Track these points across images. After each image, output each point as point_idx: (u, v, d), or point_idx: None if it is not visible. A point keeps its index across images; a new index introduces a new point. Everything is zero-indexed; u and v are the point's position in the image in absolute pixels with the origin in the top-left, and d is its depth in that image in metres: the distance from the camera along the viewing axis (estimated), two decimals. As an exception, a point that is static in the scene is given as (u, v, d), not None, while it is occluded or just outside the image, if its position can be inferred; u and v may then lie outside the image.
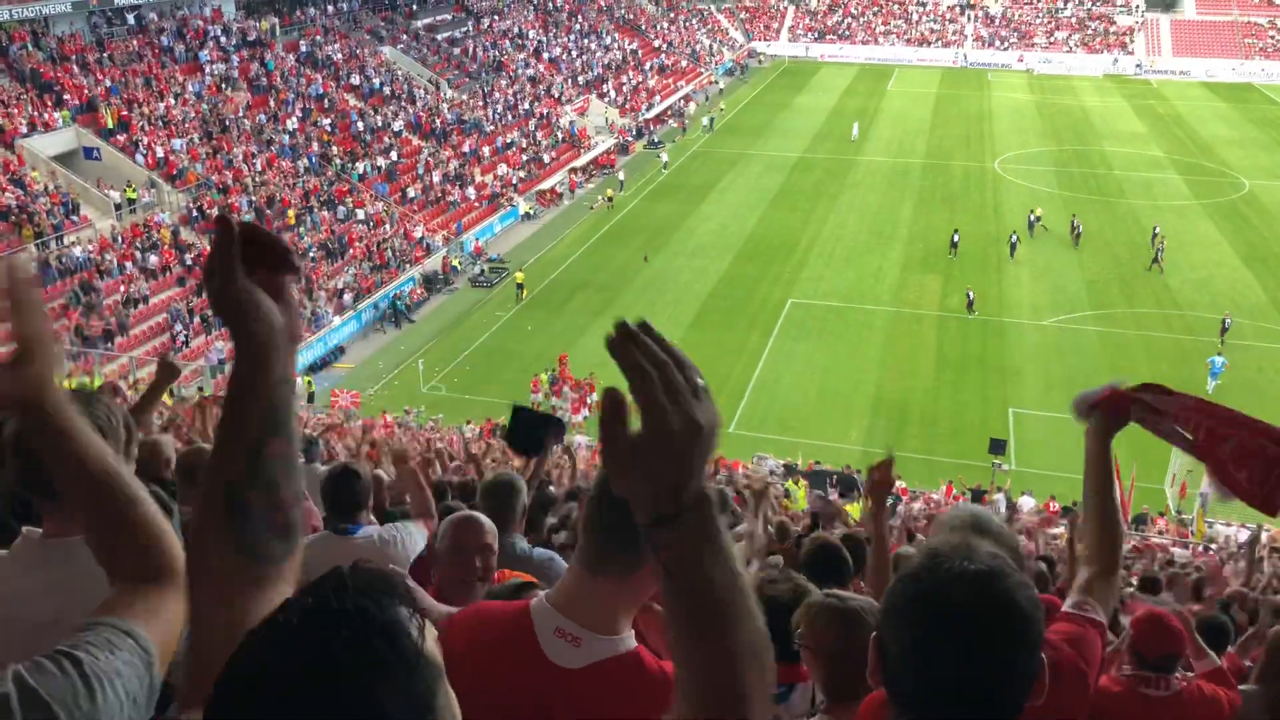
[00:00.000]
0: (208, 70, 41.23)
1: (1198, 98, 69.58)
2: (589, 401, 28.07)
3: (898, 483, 22.57)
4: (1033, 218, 42.63)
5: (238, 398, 1.47)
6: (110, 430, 2.38)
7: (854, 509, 13.39)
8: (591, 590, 1.99)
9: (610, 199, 47.52)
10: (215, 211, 33.51)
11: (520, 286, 37.19)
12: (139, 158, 34.69)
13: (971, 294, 35.33)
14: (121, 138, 35.04)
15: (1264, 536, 17.70)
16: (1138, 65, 78.34)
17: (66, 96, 35.14)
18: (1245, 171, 51.35)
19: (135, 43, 40.21)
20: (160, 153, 35.22)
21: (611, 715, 1.91)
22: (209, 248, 1.49)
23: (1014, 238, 40.22)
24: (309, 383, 29.92)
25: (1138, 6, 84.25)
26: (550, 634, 1.99)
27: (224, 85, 41.13)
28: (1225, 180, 50.25)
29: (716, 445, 1.26)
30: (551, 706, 1.95)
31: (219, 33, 43.67)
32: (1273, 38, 78.95)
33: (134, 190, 33.36)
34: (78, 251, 29.77)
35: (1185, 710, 3.71)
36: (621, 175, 50.50)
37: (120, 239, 31.52)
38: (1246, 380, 29.68)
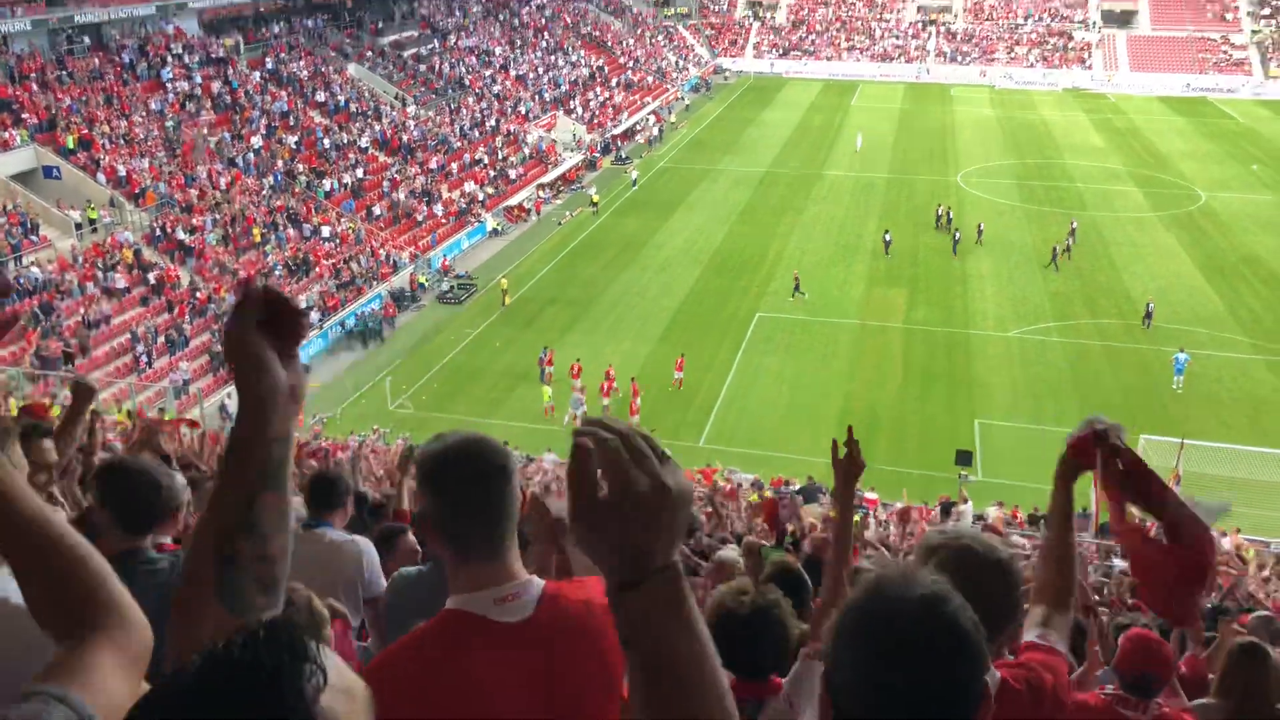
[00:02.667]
0: (170, 88, 40.89)
1: (1154, 112, 70.84)
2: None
3: (868, 493, 22.70)
4: (940, 211, 45.27)
5: (237, 449, 1.53)
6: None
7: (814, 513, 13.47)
8: (500, 565, 2.15)
9: (595, 204, 48.65)
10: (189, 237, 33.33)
11: (504, 293, 37.74)
12: (100, 176, 34.31)
13: (797, 275, 38.07)
14: (82, 156, 34.64)
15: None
16: (1092, 79, 79.73)
17: (25, 115, 34.71)
18: (1201, 184, 52.30)
19: (96, 60, 39.82)
20: (122, 171, 34.86)
21: (577, 624, 2.10)
22: (232, 305, 1.57)
23: (957, 235, 42.67)
24: (275, 402, 29.63)
25: (1095, 23, 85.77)
26: (490, 606, 2.10)
27: (187, 103, 40.81)
28: (1182, 192, 51.15)
29: (686, 512, 1.27)
30: (523, 665, 2.03)
31: (181, 50, 43.35)
32: (1225, 53, 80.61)
33: (95, 210, 32.97)
34: (36, 272, 29.36)
35: None
36: (594, 190, 50.66)
37: (81, 259, 31.12)
38: (1206, 391, 30.15)
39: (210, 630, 1.42)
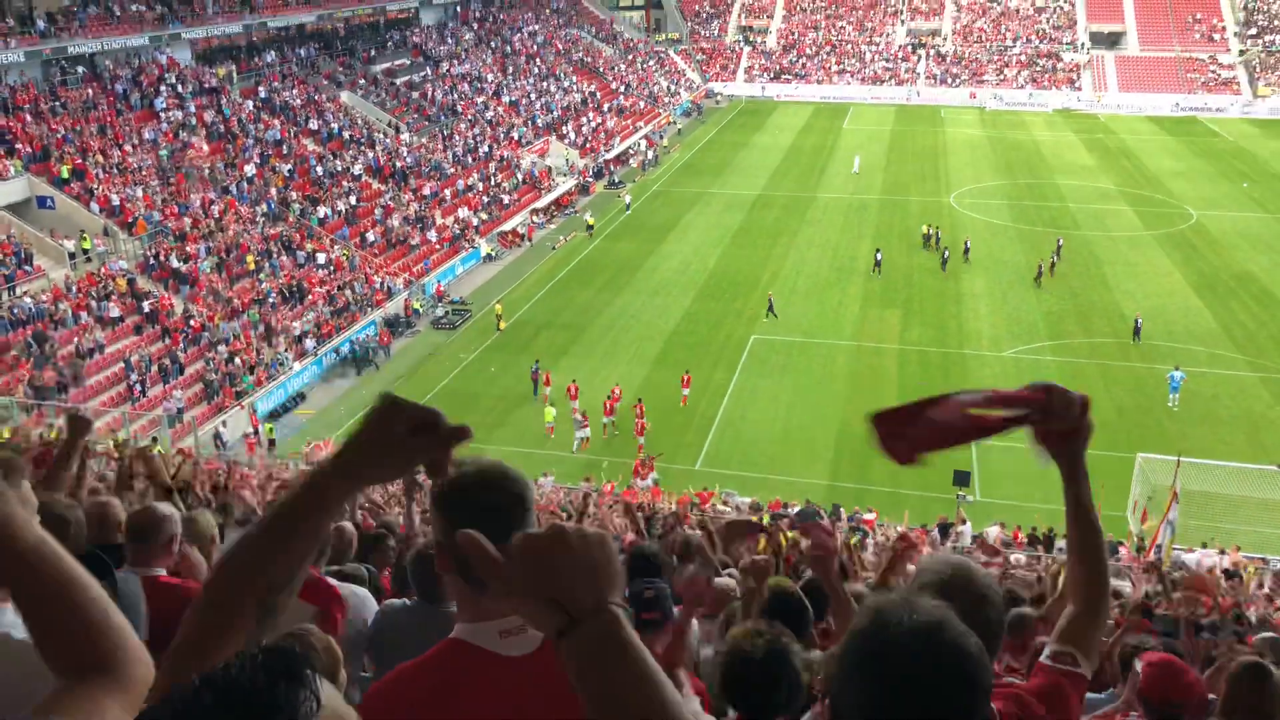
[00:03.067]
0: (164, 117, 41.00)
1: (1144, 131, 71.30)
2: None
3: (867, 514, 22.63)
4: (928, 231, 46.22)
5: (315, 517, 1.57)
6: None
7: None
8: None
9: (591, 226, 49.17)
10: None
11: (499, 318, 37.74)
12: (94, 206, 34.31)
13: (771, 296, 38.24)
14: (76, 186, 34.66)
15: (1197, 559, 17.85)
16: (1080, 99, 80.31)
17: (19, 145, 34.76)
18: (1192, 202, 52.57)
19: (90, 91, 39.92)
20: (116, 200, 34.86)
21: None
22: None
23: (945, 253, 43.56)
24: (270, 430, 29.54)
25: (1083, 44, 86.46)
26: (497, 639, 2.04)
27: (181, 132, 40.89)
28: (1174, 211, 51.40)
29: (602, 559, 1.30)
30: (523, 700, 1.99)
31: (175, 80, 43.50)
32: (1213, 72, 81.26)
33: (88, 239, 32.95)
34: (29, 302, 29.29)
35: None
36: (589, 214, 50.89)
37: (75, 289, 31.07)
38: (1203, 409, 30.16)
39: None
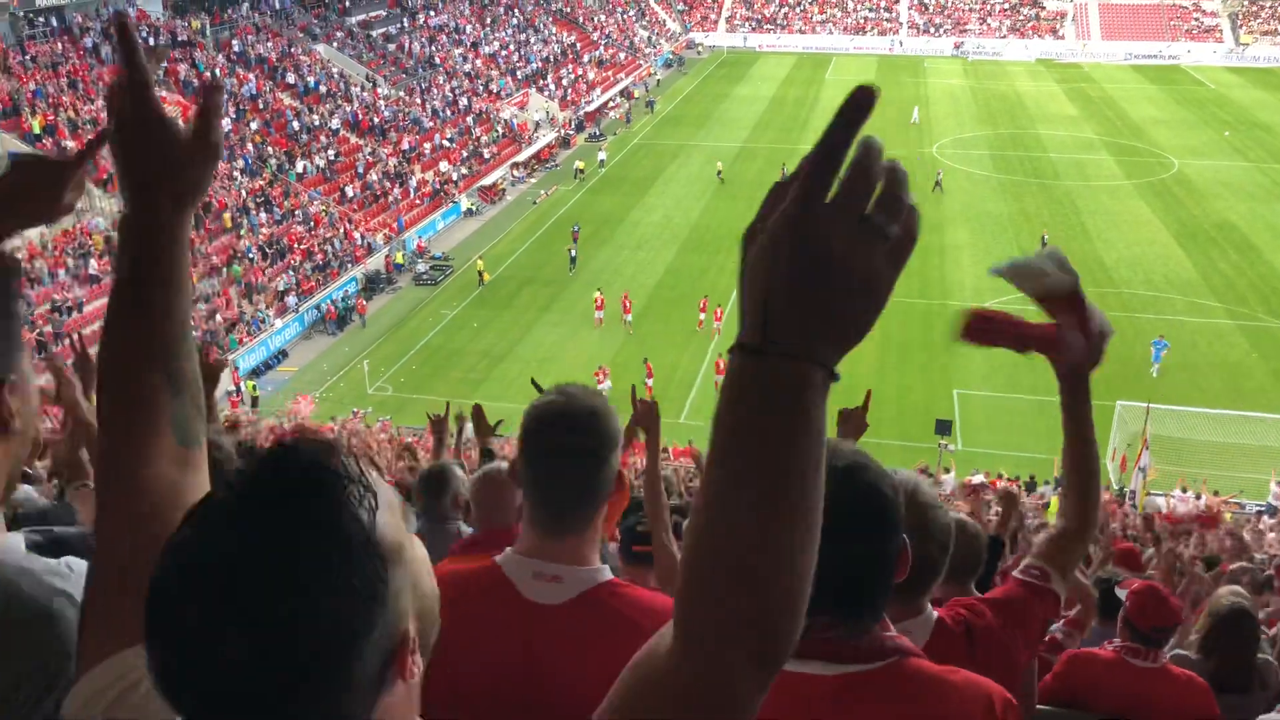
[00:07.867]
0: (136, 71, 40.25)
1: (1127, 80, 71.08)
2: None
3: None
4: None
5: (176, 259, 1.38)
6: None
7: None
8: (559, 544, 2.00)
9: (582, 170, 49.70)
10: None
11: (480, 274, 37.51)
12: (67, 163, 33.76)
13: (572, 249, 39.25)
14: (48, 142, 34.09)
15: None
16: (1057, 49, 79.84)
17: (-12, 101, 34.15)
18: (1174, 151, 52.60)
19: (59, 44, 39.15)
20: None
21: (599, 645, 1.77)
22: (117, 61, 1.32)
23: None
24: (253, 387, 29.44)
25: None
26: (529, 579, 1.99)
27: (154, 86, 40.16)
28: (1155, 160, 51.43)
29: (863, 298, 0.98)
30: (537, 649, 1.93)
31: (146, 33, 42.67)
32: (1197, 20, 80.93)
33: (63, 196, 32.46)
34: (5, 261, 28.92)
35: (1172, 684, 3.73)
36: (578, 162, 50.50)
37: (51, 246, 30.70)
38: (1182, 358, 30.40)
39: (163, 464, 1.28)
